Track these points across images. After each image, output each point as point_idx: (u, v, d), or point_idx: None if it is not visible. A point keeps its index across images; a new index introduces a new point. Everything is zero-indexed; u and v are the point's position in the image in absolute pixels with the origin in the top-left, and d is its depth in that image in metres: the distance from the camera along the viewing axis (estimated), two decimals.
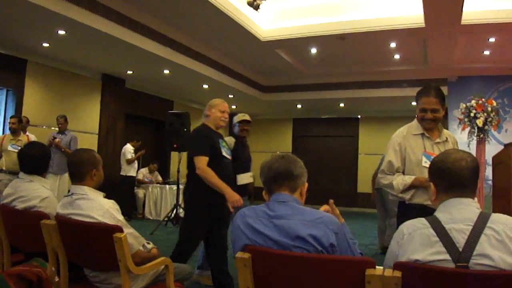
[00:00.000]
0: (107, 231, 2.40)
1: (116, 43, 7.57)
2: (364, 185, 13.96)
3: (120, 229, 2.41)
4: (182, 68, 9.26)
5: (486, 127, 5.86)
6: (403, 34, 8.26)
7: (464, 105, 6.05)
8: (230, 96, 12.18)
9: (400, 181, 3.10)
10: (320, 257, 1.76)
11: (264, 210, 1.94)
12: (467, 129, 6.20)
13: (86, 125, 9.93)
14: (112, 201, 2.65)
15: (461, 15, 7.21)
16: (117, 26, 7.24)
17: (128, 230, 2.57)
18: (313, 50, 9.61)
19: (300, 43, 9.07)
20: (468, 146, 6.47)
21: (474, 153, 6.47)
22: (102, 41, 7.51)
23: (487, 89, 10.75)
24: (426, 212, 2.17)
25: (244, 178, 4.77)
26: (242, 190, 4.35)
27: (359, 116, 15.07)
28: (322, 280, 1.72)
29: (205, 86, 11.15)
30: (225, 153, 3.88)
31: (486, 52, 9.56)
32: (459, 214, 1.65)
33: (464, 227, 1.59)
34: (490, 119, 5.85)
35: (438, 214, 1.71)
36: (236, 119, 5.17)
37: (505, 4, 7.48)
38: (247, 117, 5.10)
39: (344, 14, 8.19)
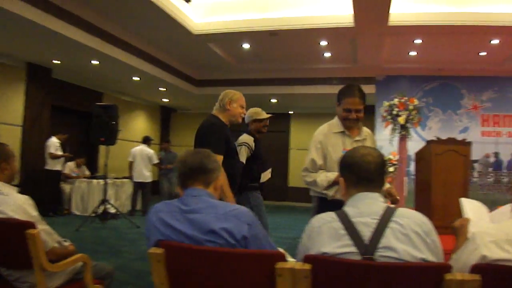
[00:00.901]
0: (19, 227, 2.32)
1: (40, 30, 7.17)
2: (295, 180, 14.20)
3: (32, 225, 2.33)
4: (112, 59, 8.97)
5: (408, 124, 6.09)
6: (333, 33, 8.43)
7: (387, 103, 6.24)
8: (162, 89, 11.98)
9: (323, 178, 3.14)
10: (231, 251, 1.76)
11: (177, 204, 1.93)
12: (390, 126, 6.41)
13: (9, 116, 9.39)
14: (26, 196, 2.56)
15: (388, 16, 7.45)
16: (42, 12, 6.85)
17: (43, 227, 2.49)
18: (246, 45, 9.61)
19: (232, 37, 9.04)
20: (390, 142, 6.68)
21: (397, 149, 6.70)
22: (24, 27, 7.10)
23: (413, 88, 11.19)
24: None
25: (266, 175, 4.71)
26: (262, 187, 4.41)
27: (290, 112, 15.27)
28: (234, 274, 1.72)
29: (136, 78, 10.88)
30: (237, 152, 3.76)
31: (413, 53, 9.93)
32: (366, 208, 1.70)
33: (370, 221, 1.63)
34: (411, 117, 6.07)
35: (347, 208, 1.75)
36: (256, 115, 4.79)
37: (430, 8, 7.79)
38: (265, 114, 4.79)
39: (276, 11, 8.23)
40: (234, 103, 3.73)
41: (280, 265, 1.61)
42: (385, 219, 1.63)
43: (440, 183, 5.09)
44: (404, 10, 7.80)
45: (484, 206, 2.35)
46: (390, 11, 7.30)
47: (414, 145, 7.04)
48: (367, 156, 1.82)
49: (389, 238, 1.58)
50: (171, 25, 8.24)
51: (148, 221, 1.95)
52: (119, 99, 12.90)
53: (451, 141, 6.41)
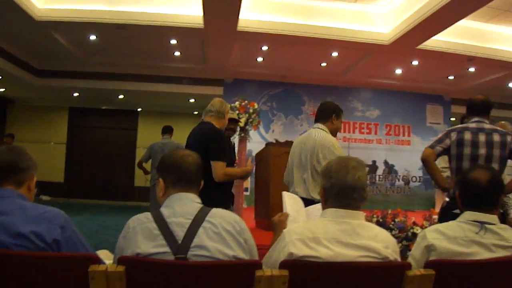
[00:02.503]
0: None
1: None
2: (141, 179, 13.88)
3: None
4: None
5: (247, 127, 6.32)
6: (183, 33, 8.40)
7: (229, 106, 6.44)
8: None
9: None
10: (41, 254, 1.66)
11: None
12: None
13: None
14: None
15: (237, 22, 7.64)
16: None
17: None
18: (92, 37, 9.14)
19: (78, 27, 8.52)
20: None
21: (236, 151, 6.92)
22: None
23: (259, 92, 11.66)
24: None
25: None
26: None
27: (139, 109, 14.95)
28: (46, 278, 1.62)
29: None
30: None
31: (260, 59, 10.32)
32: (180, 208, 1.74)
33: (184, 221, 1.68)
34: (251, 120, 6.32)
35: (163, 208, 1.77)
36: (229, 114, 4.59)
37: (278, 18, 8.16)
38: (235, 115, 4.76)
39: (126, 5, 7.97)
40: (227, 114, 3.80)
41: (93, 268, 1.56)
42: (199, 219, 1.68)
43: (278, 183, 5.36)
44: (253, 17, 8.06)
45: (301, 201, 2.49)
46: (240, 17, 7.49)
47: (259, 147, 7.34)
48: (188, 157, 1.88)
49: (201, 237, 1.63)
50: (10, 7, 7.50)
51: None
52: None
53: (289, 143, 6.80)
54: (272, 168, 6.12)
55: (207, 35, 8.40)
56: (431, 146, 3.22)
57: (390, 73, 11.11)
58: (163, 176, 1.88)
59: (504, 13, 8.24)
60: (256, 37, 8.55)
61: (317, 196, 2.92)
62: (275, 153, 6.20)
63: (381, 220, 4.94)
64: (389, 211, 5.12)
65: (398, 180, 12.45)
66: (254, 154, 7.28)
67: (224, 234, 1.65)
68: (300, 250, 1.63)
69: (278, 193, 5.13)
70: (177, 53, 10.07)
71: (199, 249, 1.60)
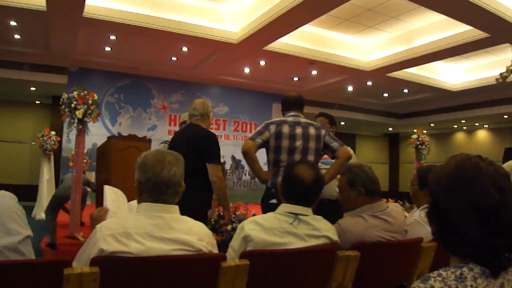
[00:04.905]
0: None
1: None
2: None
3: None
4: None
5: (86, 119, 6.03)
6: (24, 14, 7.74)
7: (66, 96, 6.06)
8: None
9: None
10: (10, 262, 1.54)
11: None
12: (67, 120, 6.25)
13: None
14: None
15: (84, 7, 7.25)
16: None
17: None
18: None
19: None
20: (68, 136, 6.55)
21: (73, 144, 6.58)
22: None
23: (107, 83, 11.26)
24: None
25: None
26: None
27: None
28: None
29: None
30: None
31: (107, 48, 9.91)
32: None
33: None
34: (90, 111, 6.02)
35: None
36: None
37: (127, 7, 7.90)
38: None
39: None
40: (210, 113, 3.84)
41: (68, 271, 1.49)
42: None
43: (120, 178, 5.22)
44: (100, 4, 7.72)
45: (123, 195, 2.44)
46: (86, 2, 7.12)
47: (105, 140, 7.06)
48: None
49: None
50: None
51: None
52: None
53: (132, 137, 6.68)
54: (113, 163, 5.92)
55: (50, 19, 7.81)
56: (252, 138, 3.26)
57: (239, 71, 11.42)
58: None
59: (344, 22, 8.93)
60: (104, 25, 8.17)
61: None
62: (118, 147, 6.02)
63: (222, 213, 5.05)
64: (231, 204, 5.27)
65: (245, 175, 12.91)
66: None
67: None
68: (111, 245, 1.59)
69: (121, 188, 5.03)
70: (17, 36, 9.24)
71: None
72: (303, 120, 3.36)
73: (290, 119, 3.34)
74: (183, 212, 1.83)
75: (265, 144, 3.28)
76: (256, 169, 3.27)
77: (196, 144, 3.50)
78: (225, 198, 3.66)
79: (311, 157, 3.24)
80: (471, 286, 0.99)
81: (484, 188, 1.06)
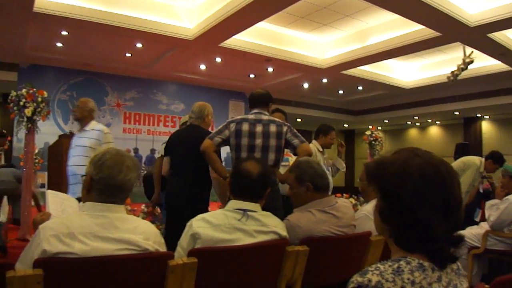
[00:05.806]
0: None
1: None
2: None
3: None
4: None
5: (35, 117, 5.84)
6: None
7: (14, 93, 5.85)
8: None
9: None
10: None
11: None
12: (16, 118, 6.05)
13: None
14: None
15: (33, 1, 7.03)
16: None
17: None
18: None
19: None
20: (17, 135, 6.34)
21: (23, 143, 6.38)
22: None
23: (59, 80, 10.97)
24: None
25: None
26: None
27: None
28: None
29: None
30: None
31: (59, 44, 9.64)
32: None
33: None
34: (39, 109, 5.84)
35: None
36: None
37: (78, 2, 7.69)
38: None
39: None
40: (210, 115, 4.02)
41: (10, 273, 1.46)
42: None
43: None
44: None
45: (72, 199, 2.40)
46: None
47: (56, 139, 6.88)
48: None
49: None
50: None
51: None
52: None
53: None
54: (65, 162, 5.76)
55: None
56: (210, 138, 3.29)
57: (195, 68, 11.34)
58: None
59: (300, 20, 8.99)
60: (55, 21, 7.93)
61: None
62: (69, 145, 5.86)
63: None
64: None
65: None
66: None
67: None
68: (54, 246, 1.56)
69: None
70: None
71: None
72: (265, 117, 3.38)
73: (251, 116, 3.38)
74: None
75: (226, 142, 3.32)
76: (217, 167, 3.33)
77: (194, 144, 3.52)
78: (225, 195, 3.66)
79: (271, 155, 3.27)
80: (408, 279, 1.01)
81: (453, 187, 1.11)
